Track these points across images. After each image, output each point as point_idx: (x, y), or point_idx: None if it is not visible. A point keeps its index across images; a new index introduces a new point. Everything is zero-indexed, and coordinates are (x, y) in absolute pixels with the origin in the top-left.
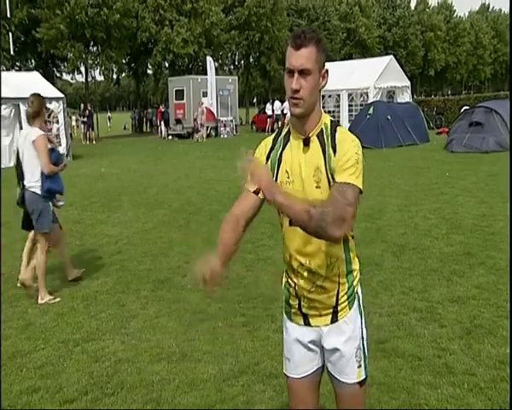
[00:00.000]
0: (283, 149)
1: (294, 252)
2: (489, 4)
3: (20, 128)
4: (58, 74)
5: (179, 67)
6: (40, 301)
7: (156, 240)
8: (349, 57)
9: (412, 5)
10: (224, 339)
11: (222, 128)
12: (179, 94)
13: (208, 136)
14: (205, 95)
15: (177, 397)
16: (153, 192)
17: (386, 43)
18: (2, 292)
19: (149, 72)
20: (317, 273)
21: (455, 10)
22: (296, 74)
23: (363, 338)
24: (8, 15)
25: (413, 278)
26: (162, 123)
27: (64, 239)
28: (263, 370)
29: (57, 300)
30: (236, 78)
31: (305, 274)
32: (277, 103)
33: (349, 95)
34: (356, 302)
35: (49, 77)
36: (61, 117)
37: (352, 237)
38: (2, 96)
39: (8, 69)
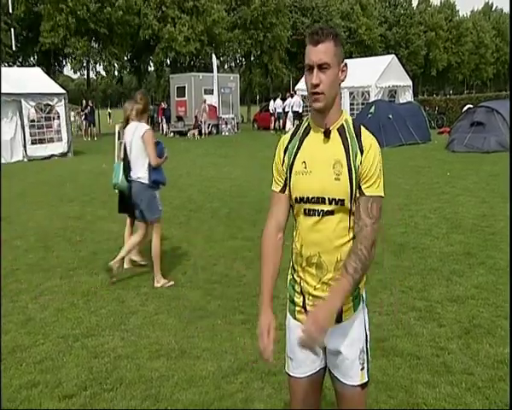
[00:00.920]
0: (302, 141)
1: (306, 243)
2: (492, 3)
3: (21, 124)
4: (60, 70)
5: (181, 65)
6: (156, 285)
7: None
8: (349, 56)
9: (414, 4)
10: (223, 336)
11: (223, 126)
12: (181, 91)
13: (210, 133)
14: (207, 92)
15: (175, 394)
16: None
17: (387, 42)
18: (3, 287)
19: (151, 69)
20: (325, 268)
21: (457, 10)
22: (316, 69)
23: (366, 341)
24: (10, 11)
25: (412, 278)
26: (164, 120)
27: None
28: (261, 367)
29: (171, 283)
30: (238, 75)
31: (313, 270)
32: (278, 101)
33: (350, 93)
34: (361, 304)
35: (51, 73)
36: (62, 113)
37: None
38: (4, 91)
39: (10, 65)
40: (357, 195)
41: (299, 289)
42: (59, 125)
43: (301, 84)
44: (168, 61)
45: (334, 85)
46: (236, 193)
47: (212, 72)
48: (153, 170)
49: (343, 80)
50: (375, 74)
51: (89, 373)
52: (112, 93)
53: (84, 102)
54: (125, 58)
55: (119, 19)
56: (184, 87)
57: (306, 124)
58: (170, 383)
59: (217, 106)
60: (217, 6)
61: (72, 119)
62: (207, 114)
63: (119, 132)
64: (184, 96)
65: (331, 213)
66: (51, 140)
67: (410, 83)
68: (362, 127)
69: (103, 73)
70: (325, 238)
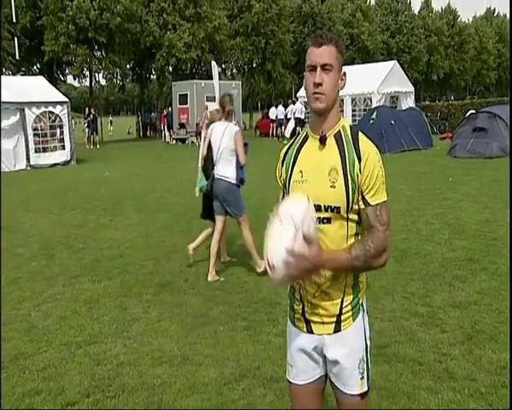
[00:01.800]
0: (299, 150)
1: None
2: (494, 9)
3: (25, 132)
4: (62, 78)
5: (183, 72)
6: (259, 270)
7: (159, 244)
8: (351, 62)
9: (416, 10)
10: (225, 343)
11: None
12: (183, 98)
13: None
14: (209, 99)
15: (178, 400)
16: (156, 196)
17: (389, 49)
18: (6, 295)
19: (153, 77)
20: (324, 277)
21: (459, 15)
22: (318, 69)
23: (366, 350)
24: (14, 21)
25: (415, 283)
26: (165, 127)
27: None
28: (264, 374)
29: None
30: (240, 82)
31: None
32: (280, 108)
33: (352, 100)
34: (360, 314)
35: (54, 81)
36: (65, 121)
37: None
38: (8, 100)
39: (13, 74)
40: (363, 206)
41: (298, 297)
42: (62, 133)
43: (303, 91)
44: (170, 68)
45: (334, 88)
46: None
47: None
48: (241, 168)
49: (342, 89)
50: (377, 80)
51: (91, 380)
52: (114, 100)
53: (86, 110)
54: (128, 66)
55: (119, 26)
56: (186, 94)
57: (304, 133)
58: (172, 390)
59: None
60: (218, 13)
61: (73, 127)
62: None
63: (204, 137)
64: (186, 103)
65: (328, 220)
66: (54, 148)
67: (411, 89)
68: (360, 134)
69: (103, 82)
70: (323, 246)
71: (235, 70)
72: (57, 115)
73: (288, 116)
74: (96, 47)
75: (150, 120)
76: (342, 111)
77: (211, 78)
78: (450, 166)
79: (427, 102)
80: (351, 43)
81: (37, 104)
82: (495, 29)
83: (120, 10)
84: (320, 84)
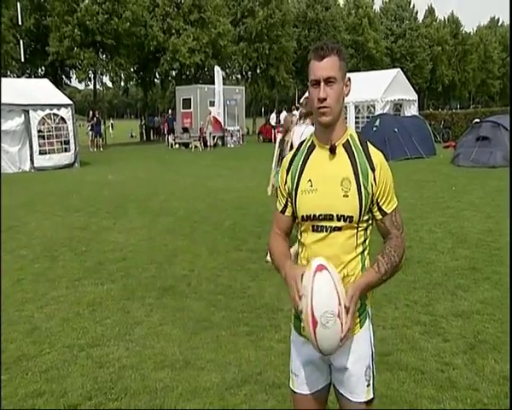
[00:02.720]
0: (306, 159)
1: (314, 258)
2: (498, 18)
3: (29, 134)
4: (67, 81)
5: (186, 77)
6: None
7: (161, 248)
8: (356, 70)
9: (420, 18)
10: (227, 348)
11: (228, 138)
12: (186, 103)
13: (215, 145)
14: (212, 104)
15: (179, 404)
16: (159, 200)
17: (393, 55)
18: (10, 296)
19: (157, 81)
20: None
21: (462, 25)
22: (322, 84)
23: (372, 357)
24: (20, 23)
25: (417, 292)
26: (166, 131)
27: None
28: (266, 379)
29: None
30: (243, 88)
31: None
32: (284, 114)
33: (356, 107)
34: (367, 321)
35: (58, 83)
36: (69, 123)
37: (368, 255)
38: (13, 102)
39: (18, 76)
40: (380, 216)
41: None
42: (66, 135)
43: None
44: (173, 72)
45: (339, 100)
46: (241, 205)
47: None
48: None
49: (347, 95)
50: (381, 88)
51: (94, 383)
52: (118, 103)
53: (90, 112)
54: (132, 69)
55: (127, 30)
56: (190, 99)
57: (310, 142)
58: (174, 394)
59: (221, 118)
60: (223, 19)
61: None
62: (212, 126)
63: (280, 141)
64: (190, 107)
65: (339, 229)
66: (58, 151)
67: (415, 97)
68: (368, 143)
69: (109, 84)
70: (332, 254)
71: (238, 75)
72: (61, 118)
73: None
74: (102, 50)
75: (154, 124)
76: (346, 118)
77: (214, 82)
78: (454, 175)
79: (430, 111)
80: (355, 51)
81: (42, 106)
82: (499, 38)
83: (129, 15)
84: (325, 99)
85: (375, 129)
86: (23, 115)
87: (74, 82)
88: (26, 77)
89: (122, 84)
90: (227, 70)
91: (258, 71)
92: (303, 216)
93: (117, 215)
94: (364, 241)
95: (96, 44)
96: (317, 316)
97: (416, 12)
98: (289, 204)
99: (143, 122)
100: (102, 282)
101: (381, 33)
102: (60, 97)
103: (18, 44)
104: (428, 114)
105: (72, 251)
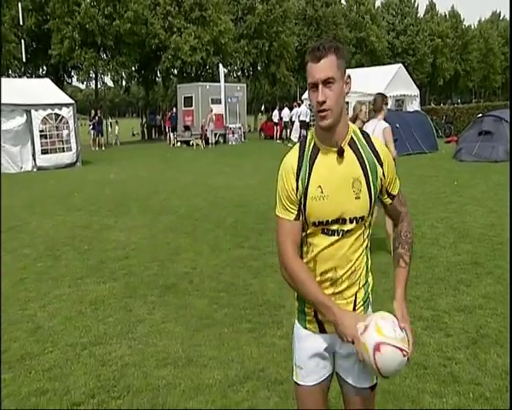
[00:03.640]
0: (312, 164)
1: (321, 259)
2: (500, 12)
3: (31, 134)
4: (68, 81)
5: (188, 75)
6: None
7: (163, 246)
8: (359, 66)
9: (421, 13)
10: (229, 345)
11: (230, 135)
12: (188, 101)
13: (217, 142)
14: (213, 101)
15: (182, 402)
16: (160, 198)
17: (395, 50)
18: (13, 295)
19: (158, 79)
20: (340, 281)
21: (463, 19)
22: (320, 86)
23: None
24: (21, 23)
25: (419, 287)
26: (170, 129)
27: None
28: (268, 376)
29: None
30: (245, 85)
31: (327, 283)
32: (286, 110)
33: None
34: (370, 308)
35: (60, 83)
36: (71, 123)
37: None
38: (15, 102)
39: (20, 76)
40: (390, 201)
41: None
42: (68, 134)
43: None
44: (175, 70)
45: (339, 100)
46: (242, 202)
47: (219, 81)
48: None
49: (348, 92)
50: (383, 84)
51: (96, 381)
52: (119, 102)
53: (92, 112)
54: (133, 68)
55: (128, 30)
56: (191, 97)
57: (313, 144)
58: (177, 392)
59: (223, 115)
60: (224, 17)
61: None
62: (214, 124)
63: None
64: (191, 105)
65: (351, 231)
66: (60, 150)
67: (417, 92)
68: (371, 135)
69: (110, 83)
70: (342, 254)
71: (240, 73)
72: (63, 117)
73: (293, 119)
74: (103, 49)
75: (155, 123)
76: (347, 114)
77: (215, 80)
78: (456, 170)
79: (432, 106)
80: (358, 47)
81: (44, 106)
82: (501, 32)
83: (130, 15)
84: (324, 102)
85: None
86: (25, 115)
87: (76, 81)
88: (28, 77)
89: (123, 83)
90: (228, 67)
91: (259, 68)
92: (314, 222)
93: (119, 214)
94: (368, 234)
95: (97, 44)
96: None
97: (417, 6)
98: (300, 210)
99: (145, 121)
100: (105, 280)
101: (383, 29)
102: (61, 97)
103: (20, 44)
104: (430, 109)
105: (74, 250)
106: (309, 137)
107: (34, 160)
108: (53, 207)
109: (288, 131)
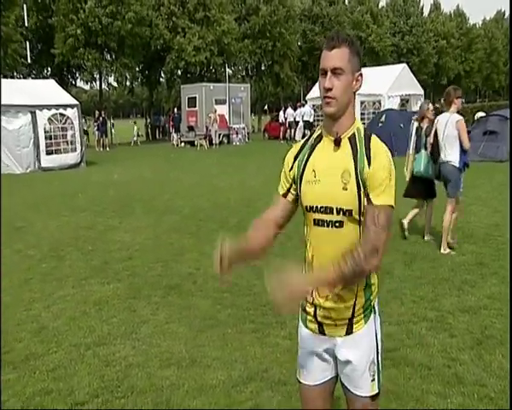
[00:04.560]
0: (313, 149)
1: (317, 254)
2: (504, 11)
3: (36, 134)
4: (73, 82)
5: (192, 75)
6: (442, 252)
7: (167, 246)
8: (362, 65)
9: (425, 12)
10: (233, 345)
11: (234, 136)
12: (192, 101)
13: (220, 143)
14: (217, 102)
15: (185, 402)
16: (164, 199)
17: (400, 51)
18: (18, 296)
19: (162, 80)
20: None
21: (468, 18)
22: (329, 73)
23: (377, 352)
24: (26, 24)
25: (423, 287)
26: (173, 130)
27: (459, 207)
28: (271, 376)
29: (452, 253)
30: (249, 85)
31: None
32: (290, 110)
33: (361, 102)
34: (372, 316)
35: (64, 84)
36: (75, 123)
37: None
38: (19, 103)
39: (24, 77)
40: (366, 203)
41: (310, 300)
42: (72, 135)
43: (312, 94)
44: (179, 71)
45: (346, 92)
46: (246, 203)
47: (223, 82)
48: (463, 154)
49: (358, 89)
50: (387, 83)
51: (100, 381)
52: (123, 103)
53: (96, 112)
54: (137, 69)
55: (130, 31)
56: (195, 97)
57: (319, 132)
58: (180, 392)
59: (227, 116)
60: (227, 17)
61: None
62: (218, 124)
63: (416, 128)
64: (195, 106)
65: (340, 224)
66: (65, 150)
67: (421, 92)
68: (373, 136)
69: (115, 84)
70: (336, 250)
71: (244, 73)
72: (68, 118)
73: (297, 119)
74: (106, 50)
75: (159, 123)
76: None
77: (219, 81)
78: None
79: (437, 106)
80: (360, 45)
81: (48, 107)
82: (505, 31)
83: (131, 16)
84: (330, 89)
85: (380, 125)
86: (30, 116)
87: (80, 82)
88: (33, 78)
89: (127, 83)
90: (232, 68)
91: (262, 68)
92: (307, 207)
93: (123, 214)
94: None
95: (101, 45)
96: None
97: (422, 6)
98: (292, 190)
99: (149, 121)
100: (109, 281)
101: (386, 29)
102: (66, 98)
103: (24, 44)
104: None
105: (78, 251)
106: (318, 127)
107: (39, 160)
108: (57, 208)
109: (293, 131)
